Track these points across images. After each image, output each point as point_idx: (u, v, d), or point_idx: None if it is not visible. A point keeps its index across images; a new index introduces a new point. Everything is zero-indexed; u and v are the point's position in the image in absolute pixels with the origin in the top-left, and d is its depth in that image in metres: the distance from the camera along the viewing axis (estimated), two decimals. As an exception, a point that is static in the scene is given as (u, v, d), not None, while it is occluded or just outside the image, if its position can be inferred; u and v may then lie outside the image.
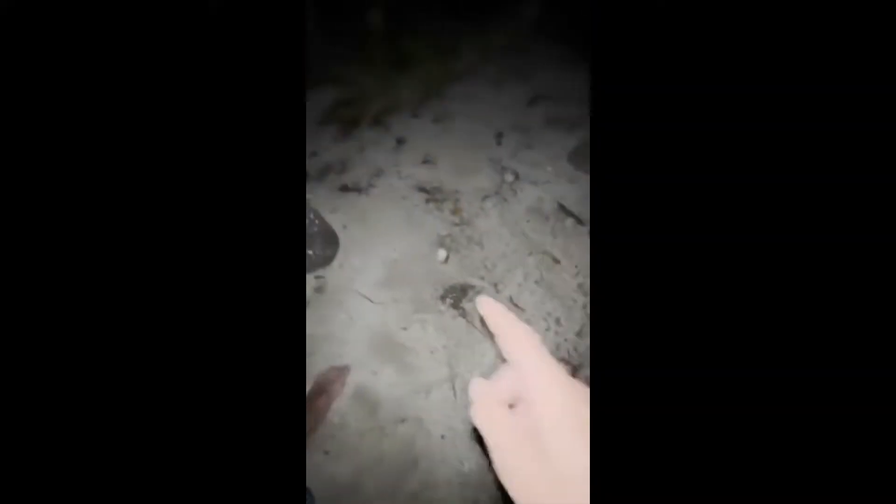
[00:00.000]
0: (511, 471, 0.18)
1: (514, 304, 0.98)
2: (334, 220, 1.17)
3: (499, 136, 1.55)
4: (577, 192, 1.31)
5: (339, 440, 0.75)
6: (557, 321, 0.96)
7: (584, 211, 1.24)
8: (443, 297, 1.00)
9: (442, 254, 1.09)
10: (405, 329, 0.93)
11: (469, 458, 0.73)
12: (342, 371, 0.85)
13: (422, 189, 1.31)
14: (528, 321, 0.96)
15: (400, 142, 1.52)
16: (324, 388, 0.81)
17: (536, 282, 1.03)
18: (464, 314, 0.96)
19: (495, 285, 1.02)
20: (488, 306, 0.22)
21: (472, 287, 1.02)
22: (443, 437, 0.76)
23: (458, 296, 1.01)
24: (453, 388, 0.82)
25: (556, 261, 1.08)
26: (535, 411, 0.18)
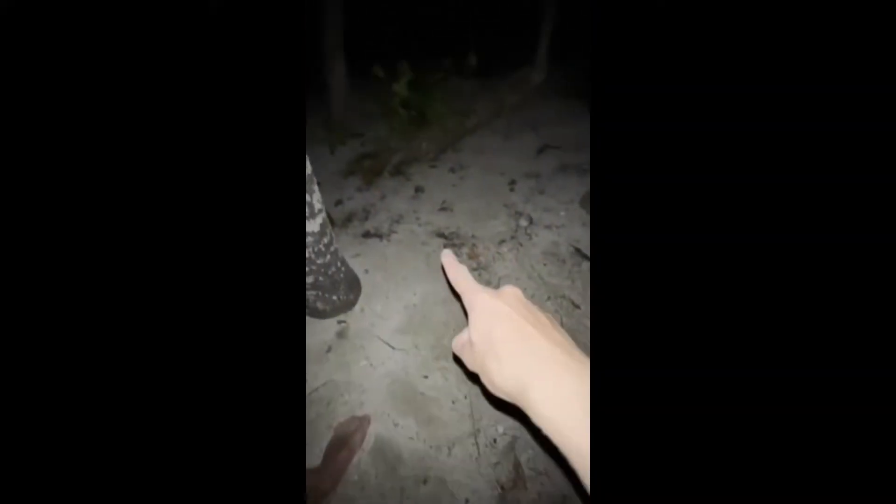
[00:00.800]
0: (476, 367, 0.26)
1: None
2: (357, 265, 1.23)
3: (512, 184, 1.64)
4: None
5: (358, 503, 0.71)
6: (582, 370, 0.93)
7: (600, 254, 1.26)
8: (463, 343, 1.00)
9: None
10: (426, 377, 0.92)
11: (496, 528, 0.67)
12: (363, 421, 0.83)
13: (440, 234, 1.37)
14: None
15: (419, 190, 1.63)
16: (345, 441, 0.79)
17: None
18: (485, 362, 0.95)
19: (515, 331, 1.01)
20: (447, 258, 0.31)
21: (492, 333, 1.02)
22: (467, 501, 0.71)
23: (477, 342, 1.00)
24: (476, 445, 0.78)
25: (576, 306, 1.08)
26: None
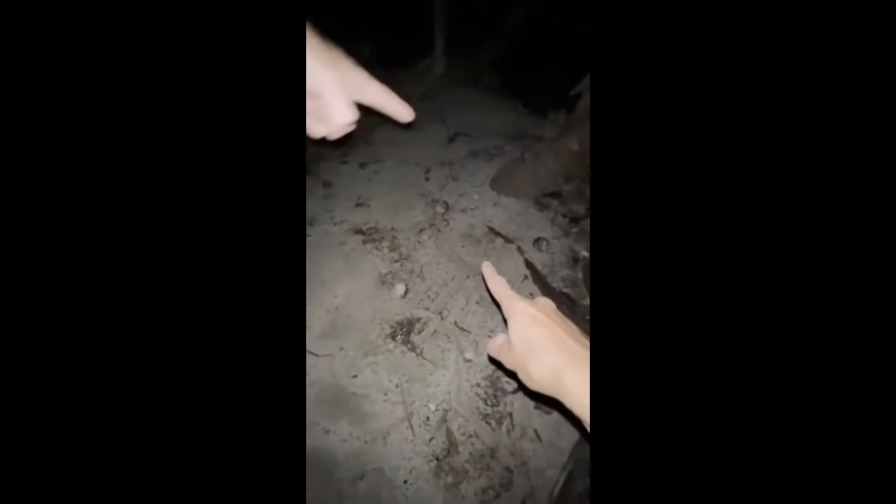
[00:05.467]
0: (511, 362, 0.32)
1: (459, 328, 1.02)
2: (267, 277, 1.12)
3: (427, 172, 1.67)
4: (502, 214, 1.45)
5: (292, 520, 0.68)
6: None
7: (511, 230, 1.38)
8: (392, 335, 1.01)
9: (401, 289, 1.11)
10: (355, 377, 0.90)
11: (435, 497, 0.71)
12: (289, 439, 0.78)
13: (358, 231, 1.33)
14: (474, 342, 1.01)
15: (330, 187, 1.55)
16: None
17: (477, 302, 1.10)
18: (413, 348, 0.97)
19: (440, 313, 1.06)
20: (487, 269, 0.40)
21: (419, 319, 1.04)
22: (406, 482, 0.73)
23: (406, 330, 1.02)
24: (410, 426, 0.81)
25: (493, 279, 1.17)
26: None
